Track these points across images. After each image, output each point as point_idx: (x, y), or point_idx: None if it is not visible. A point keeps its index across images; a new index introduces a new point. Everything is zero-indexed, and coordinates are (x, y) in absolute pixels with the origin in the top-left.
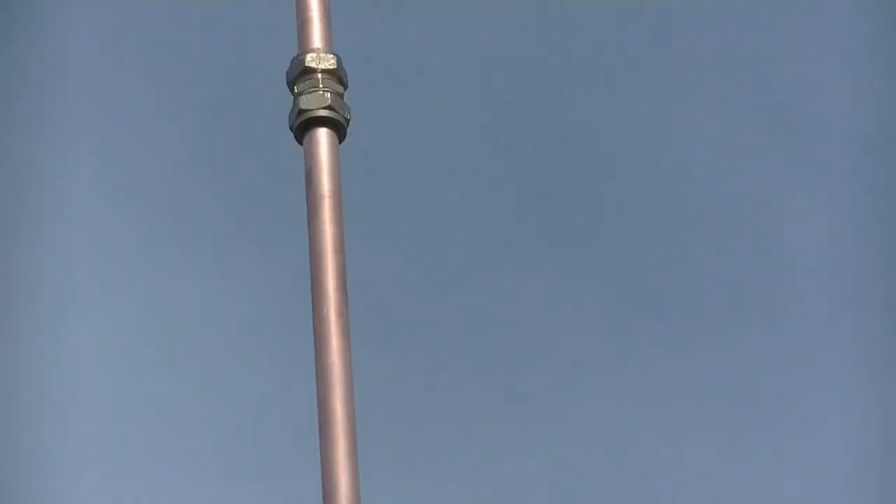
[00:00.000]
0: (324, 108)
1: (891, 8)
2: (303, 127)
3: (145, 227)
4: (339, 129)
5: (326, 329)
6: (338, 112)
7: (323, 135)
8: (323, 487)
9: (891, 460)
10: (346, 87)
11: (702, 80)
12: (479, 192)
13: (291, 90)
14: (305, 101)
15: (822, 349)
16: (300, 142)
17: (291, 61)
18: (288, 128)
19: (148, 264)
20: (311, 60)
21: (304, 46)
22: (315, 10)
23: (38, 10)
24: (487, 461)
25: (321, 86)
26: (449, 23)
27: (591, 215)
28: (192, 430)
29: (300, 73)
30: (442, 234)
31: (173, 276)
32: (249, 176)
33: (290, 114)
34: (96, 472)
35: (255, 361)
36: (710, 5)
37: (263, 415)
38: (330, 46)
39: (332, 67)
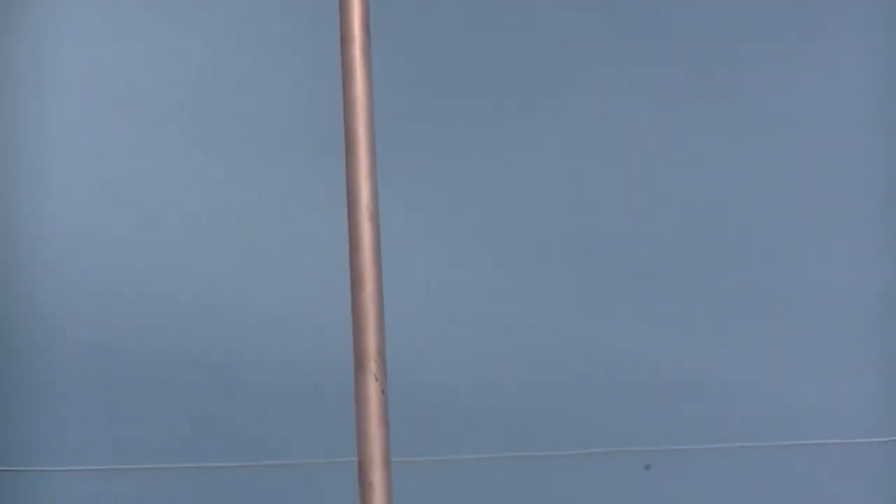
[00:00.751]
0: None
1: None
2: None
3: None
4: None
5: (353, 65)
6: None
7: None
8: (347, 195)
9: None
10: None
11: None
12: None
13: None
14: None
15: None
16: None
17: None
18: None
19: None
20: None
21: None
22: None
23: None
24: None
25: None
26: None
27: None
28: (232, 152)
29: None
30: None
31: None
32: None
33: None
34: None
35: (290, 91)
36: None
37: (296, 136)
38: None
39: None
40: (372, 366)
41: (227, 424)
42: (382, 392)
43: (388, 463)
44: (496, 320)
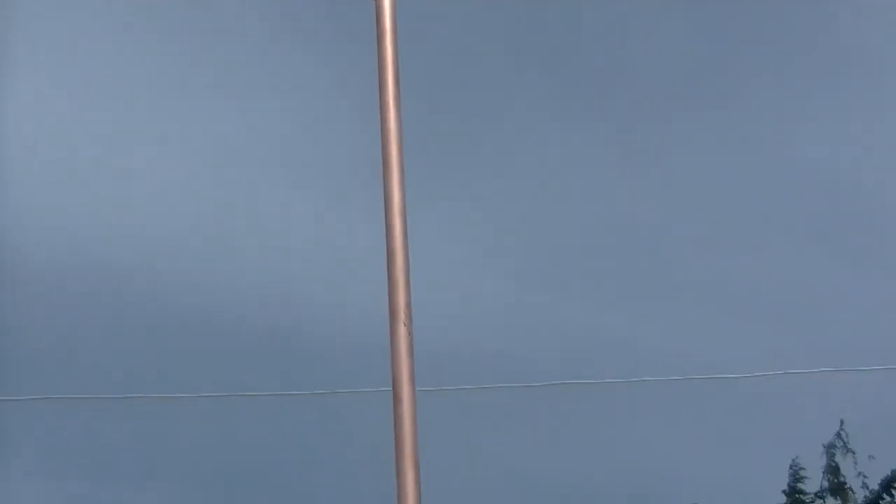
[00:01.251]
0: None
1: None
2: None
3: None
4: None
5: (387, 106)
6: None
7: None
8: (384, 201)
9: None
10: None
11: None
12: None
13: None
14: None
15: None
16: None
17: None
18: None
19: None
20: None
21: None
22: None
23: None
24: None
25: None
26: None
27: None
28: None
29: None
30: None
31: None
32: None
33: None
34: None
35: (332, 125)
36: None
37: (337, 158)
38: None
39: None
40: (402, 315)
41: (294, 361)
42: (409, 334)
43: (413, 383)
44: (495, 291)
